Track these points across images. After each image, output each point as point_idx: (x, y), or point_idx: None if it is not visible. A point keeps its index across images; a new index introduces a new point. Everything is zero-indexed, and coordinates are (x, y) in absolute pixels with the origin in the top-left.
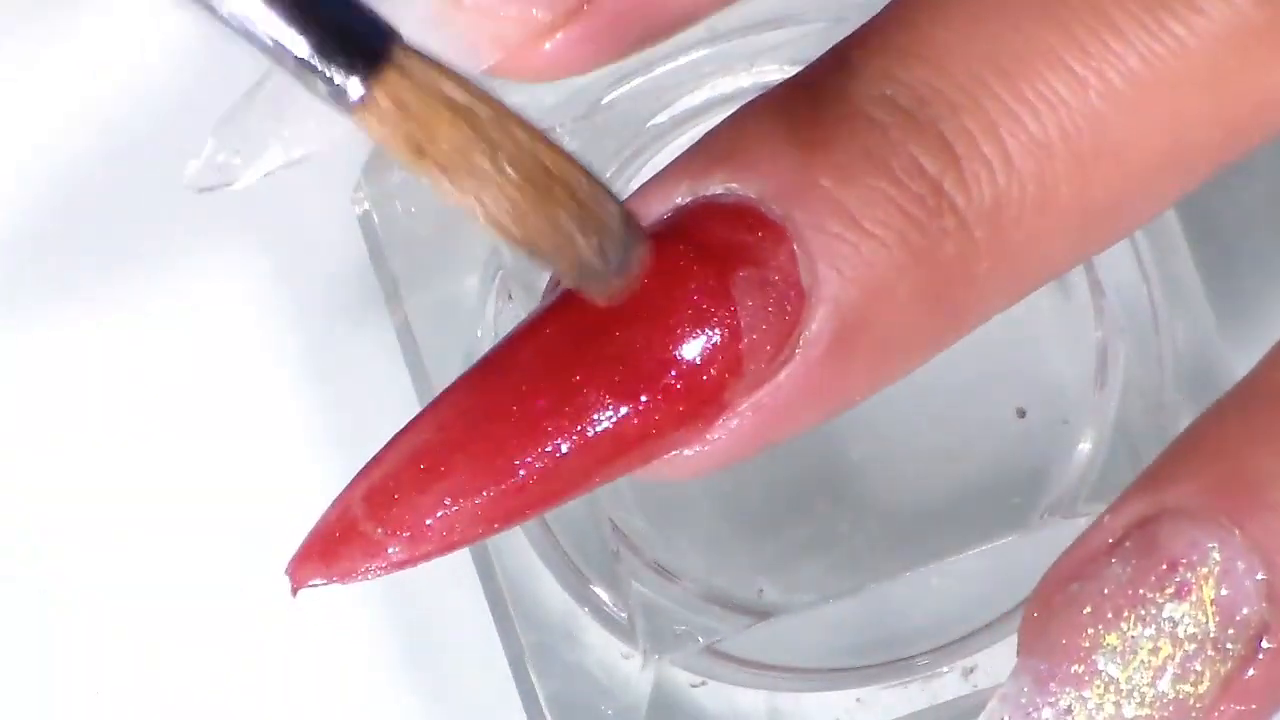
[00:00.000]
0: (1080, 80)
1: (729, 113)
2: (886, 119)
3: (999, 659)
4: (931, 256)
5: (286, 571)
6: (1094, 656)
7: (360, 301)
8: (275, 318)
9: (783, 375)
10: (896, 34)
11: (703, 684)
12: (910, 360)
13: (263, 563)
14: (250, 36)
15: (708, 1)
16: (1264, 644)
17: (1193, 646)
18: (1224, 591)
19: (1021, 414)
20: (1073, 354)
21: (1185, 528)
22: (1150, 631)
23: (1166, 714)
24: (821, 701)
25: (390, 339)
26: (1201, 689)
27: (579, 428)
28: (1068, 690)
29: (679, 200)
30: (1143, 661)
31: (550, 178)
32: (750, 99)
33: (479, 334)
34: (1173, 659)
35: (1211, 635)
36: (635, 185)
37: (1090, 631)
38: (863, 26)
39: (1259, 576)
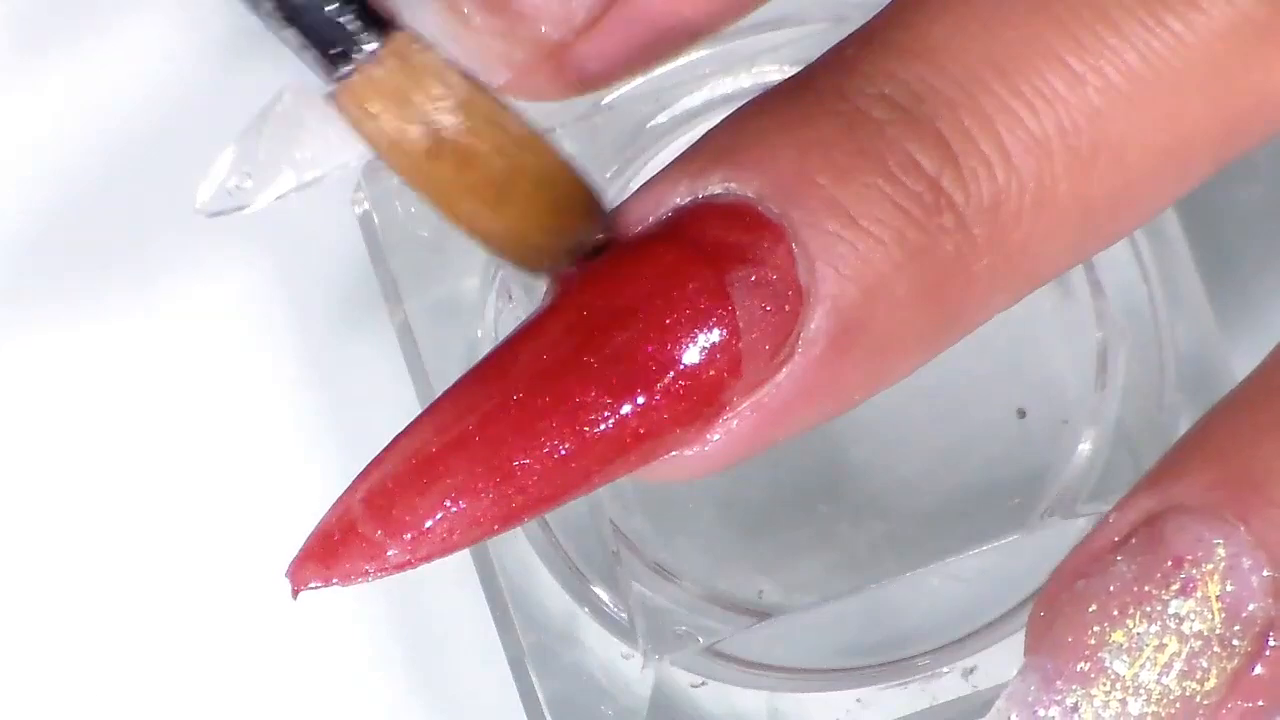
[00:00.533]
0: (1079, 77)
1: (728, 113)
2: (884, 117)
3: (999, 659)
4: (930, 255)
5: (286, 574)
6: (1100, 654)
7: (360, 302)
8: (275, 318)
9: (782, 375)
10: (894, 32)
11: (703, 684)
12: (910, 359)
13: (263, 564)
14: None
15: (721, 14)
16: (1271, 640)
17: (1199, 643)
18: (1229, 588)
19: (1022, 414)
20: (1073, 354)
21: (1190, 524)
22: (1156, 628)
23: (1173, 711)
24: (822, 702)
25: (390, 340)
26: (1208, 686)
27: (578, 429)
28: (1074, 688)
29: (678, 200)
30: (1149, 659)
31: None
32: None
33: (479, 334)
34: (1179, 656)
35: (1218, 632)
36: (635, 185)
37: (1096, 629)
38: (862, 26)
39: (1265, 573)
